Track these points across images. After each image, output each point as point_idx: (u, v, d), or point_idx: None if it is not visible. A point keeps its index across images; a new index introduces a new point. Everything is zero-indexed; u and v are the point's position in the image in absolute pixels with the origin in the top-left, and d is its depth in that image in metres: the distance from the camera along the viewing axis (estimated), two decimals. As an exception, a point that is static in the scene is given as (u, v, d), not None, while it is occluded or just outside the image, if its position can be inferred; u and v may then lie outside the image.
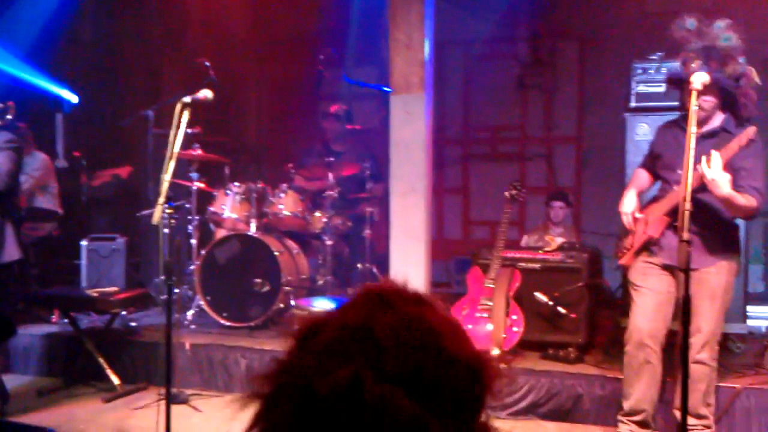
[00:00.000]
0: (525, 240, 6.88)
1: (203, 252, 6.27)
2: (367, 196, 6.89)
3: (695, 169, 3.75)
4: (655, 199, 4.40)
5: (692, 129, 3.69)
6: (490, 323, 5.39)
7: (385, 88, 5.82)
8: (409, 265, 5.58)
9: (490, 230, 7.80)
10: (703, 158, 3.86)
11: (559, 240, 5.97)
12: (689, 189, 3.62)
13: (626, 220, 4.39)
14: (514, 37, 8.75)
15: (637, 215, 4.35)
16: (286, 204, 6.42)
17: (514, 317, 5.40)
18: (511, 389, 5.14)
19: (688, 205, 3.59)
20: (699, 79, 3.81)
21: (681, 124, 4.26)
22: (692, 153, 3.65)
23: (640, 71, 5.80)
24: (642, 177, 4.56)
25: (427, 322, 0.93)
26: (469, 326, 5.45)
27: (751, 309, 6.18)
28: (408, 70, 5.57)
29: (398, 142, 5.61)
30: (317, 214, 6.59)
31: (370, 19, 7.61)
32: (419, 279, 5.59)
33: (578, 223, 8.44)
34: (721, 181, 3.83)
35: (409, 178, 5.58)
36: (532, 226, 7.50)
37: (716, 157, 3.84)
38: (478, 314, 5.45)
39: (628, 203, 4.40)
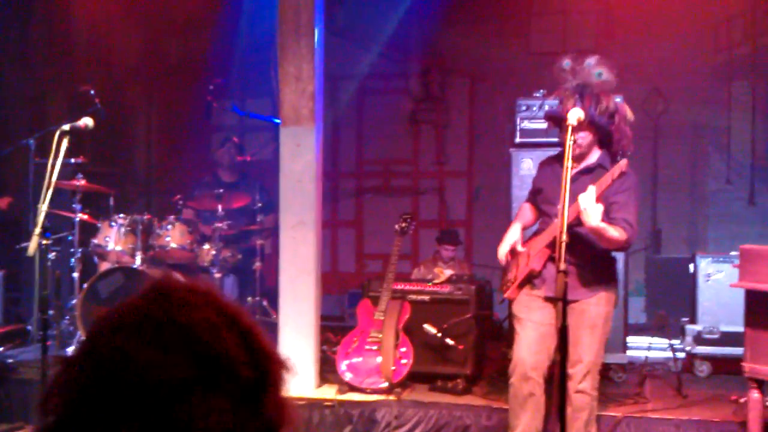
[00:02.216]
0: (415, 272, 6.93)
1: (85, 286, 6.06)
2: (258, 229, 6.83)
3: (572, 202, 3.86)
4: (537, 233, 4.51)
5: (568, 163, 3.83)
6: (379, 355, 5.39)
7: (276, 120, 5.79)
8: (299, 298, 5.52)
9: (384, 263, 7.81)
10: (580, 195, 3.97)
11: (448, 272, 6.04)
12: (566, 221, 3.74)
13: (502, 250, 4.46)
14: (406, 72, 8.89)
15: (520, 248, 4.43)
16: (173, 236, 6.29)
17: (404, 349, 5.42)
18: (400, 422, 5.14)
19: (564, 237, 3.71)
20: (574, 115, 3.96)
21: (560, 159, 4.39)
22: (568, 186, 3.78)
23: (524, 108, 5.98)
24: (526, 211, 4.66)
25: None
26: (359, 358, 5.44)
27: (631, 339, 6.40)
28: (298, 103, 5.55)
29: (288, 175, 5.58)
30: (206, 246, 6.48)
31: (262, 50, 7.60)
32: (309, 312, 5.54)
33: (470, 255, 8.58)
34: (592, 212, 3.95)
35: (298, 210, 5.54)
36: (424, 258, 7.58)
37: (590, 190, 3.97)
38: (367, 346, 5.45)
39: (510, 237, 4.48)
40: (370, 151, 9.10)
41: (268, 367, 0.95)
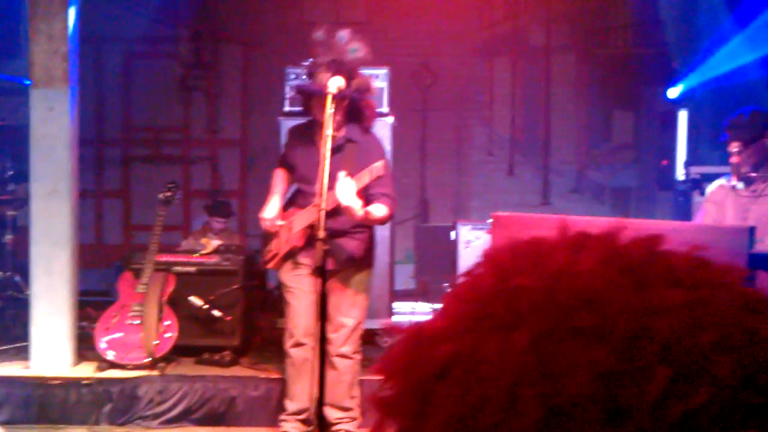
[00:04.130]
0: (184, 244, 6.74)
1: None
2: (8, 198, 6.33)
3: (332, 188, 3.89)
4: (294, 204, 4.49)
5: (328, 132, 3.88)
6: (141, 330, 5.19)
7: (26, 82, 5.38)
8: (53, 273, 5.19)
9: (153, 235, 7.55)
10: (338, 187, 3.98)
11: (216, 243, 5.92)
12: (326, 189, 3.79)
13: (266, 225, 4.45)
14: (176, 36, 8.57)
15: (279, 223, 4.41)
16: None
17: (168, 323, 5.25)
18: (164, 397, 5.00)
19: (324, 205, 3.76)
20: (335, 83, 3.98)
21: (310, 132, 4.41)
22: (328, 154, 3.83)
23: (293, 77, 5.96)
24: (281, 178, 4.62)
25: None
26: (120, 334, 5.22)
27: (397, 305, 6.62)
28: (50, 63, 5.18)
29: (39, 140, 5.21)
30: (-53, 218, 5.93)
31: (12, 5, 7.02)
32: (64, 287, 5.23)
33: (244, 225, 8.47)
34: (355, 207, 4.03)
35: (51, 178, 5.19)
36: (196, 228, 7.39)
37: (350, 185, 4.00)
38: (129, 321, 5.24)
39: (269, 210, 4.46)
40: (138, 118, 8.69)
41: None
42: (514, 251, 0.62)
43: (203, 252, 5.72)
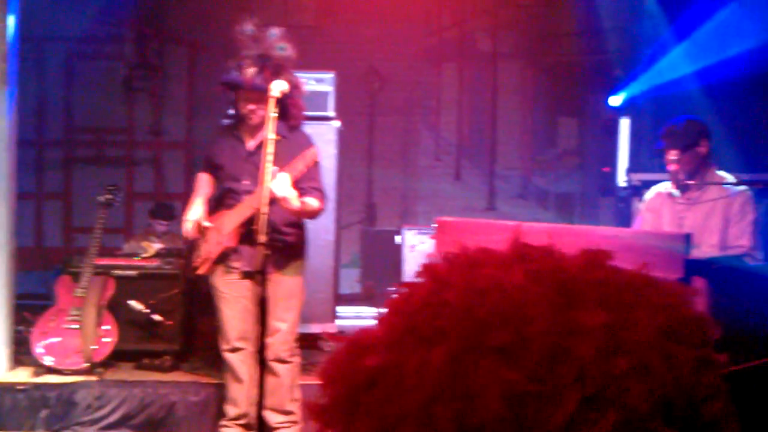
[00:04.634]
0: (126, 247, 6.64)
1: None
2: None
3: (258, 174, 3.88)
4: (222, 205, 4.45)
5: (271, 135, 3.86)
6: (80, 334, 5.10)
7: (-38, 81, 5.25)
8: (-13, 275, 5.08)
9: (95, 237, 7.42)
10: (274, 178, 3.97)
11: (157, 246, 5.85)
12: (267, 193, 3.77)
13: (187, 227, 4.40)
14: (120, 37, 8.45)
15: (206, 224, 4.37)
16: None
17: (107, 327, 5.17)
18: (102, 403, 4.92)
19: (265, 209, 3.74)
20: (278, 87, 3.97)
21: (235, 133, 4.41)
22: (270, 158, 3.82)
23: (238, 78, 5.89)
24: (206, 182, 4.60)
25: None
26: (58, 338, 5.12)
27: (342, 309, 6.61)
28: (-12, 63, 5.08)
29: (-24, 141, 5.10)
30: None
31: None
32: (0, 291, 5.12)
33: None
34: (291, 198, 4.02)
35: (-13, 180, 5.09)
36: (138, 232, 7.29)
37: (285, 177, 3.99)
38: (66, 325, 5.14)
39: (193, 212, 4.43)
40: (80, 119, 8.54)
41: None
42: (452, 263, 0.61)
43: (144, 255, 5.64)
